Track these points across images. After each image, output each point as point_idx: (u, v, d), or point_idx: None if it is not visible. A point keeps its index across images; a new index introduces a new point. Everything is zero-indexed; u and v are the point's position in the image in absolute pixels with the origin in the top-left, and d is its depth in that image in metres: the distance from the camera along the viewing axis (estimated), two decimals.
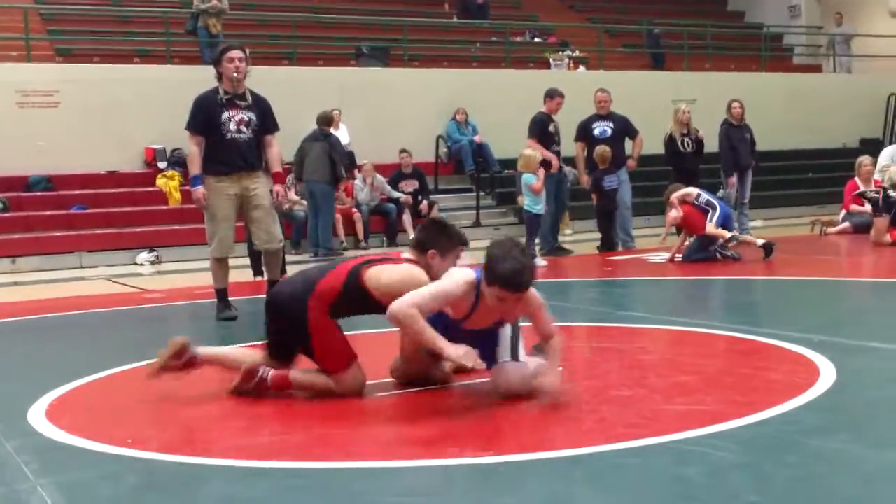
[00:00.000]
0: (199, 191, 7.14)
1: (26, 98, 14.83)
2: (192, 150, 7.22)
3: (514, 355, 4.53)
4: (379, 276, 4.47)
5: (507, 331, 4.54)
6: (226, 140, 7.17)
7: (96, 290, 10.50)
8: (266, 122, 7.38)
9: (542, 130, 11.78)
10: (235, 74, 7.17)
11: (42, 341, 7.12)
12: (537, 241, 11.25)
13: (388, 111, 16.30)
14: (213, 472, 3.53)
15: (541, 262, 10.81)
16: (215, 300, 7.65)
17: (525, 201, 10.97)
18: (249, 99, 7.32)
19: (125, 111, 15.14)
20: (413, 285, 4.30)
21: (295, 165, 13.61)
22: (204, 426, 4.22)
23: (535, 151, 11.05)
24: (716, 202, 10.31)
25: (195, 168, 7.20)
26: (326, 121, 13.72)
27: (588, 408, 4.22)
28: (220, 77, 7.31)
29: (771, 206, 17.20)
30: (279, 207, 7.54)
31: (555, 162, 11.62)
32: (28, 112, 14.79)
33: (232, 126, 7.18)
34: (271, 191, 7.51)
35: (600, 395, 4.50)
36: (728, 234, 9.99)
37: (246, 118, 7.23)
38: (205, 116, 7.21)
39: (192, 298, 9.17)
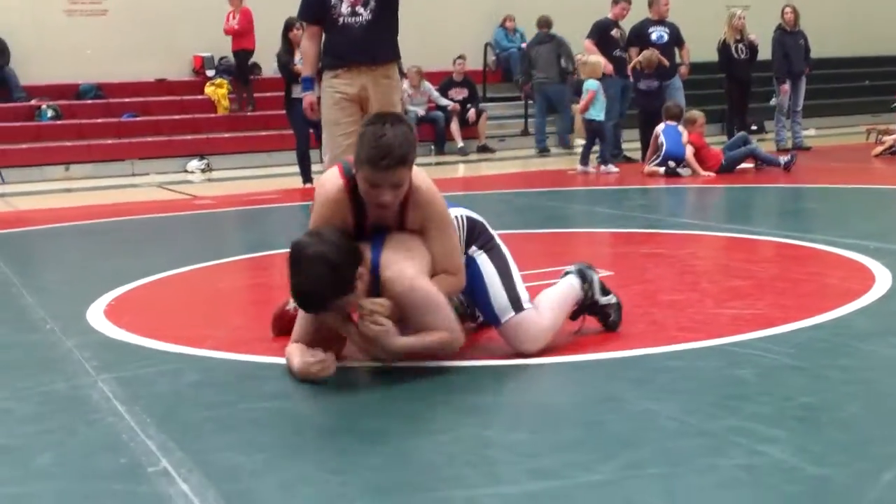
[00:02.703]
0: (307, 98, 5.58)
1: (74, 6, 14.84)
2: (304, 45, 5.56)
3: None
4: None
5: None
6: (338, 27, 5.36)
7: (148, 197, 10.62)
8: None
9: (602, 34, 11.60)
10: None
11: (96, 245, 7.23)
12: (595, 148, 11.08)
13: (436, 18, 16.09)
14: (268, 370, 3.58)
15: (612, 168, 10.79)
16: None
17: (589, 109, 10.75)
18: None
19: (173, 19, 15.10)
20: None
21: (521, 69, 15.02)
22: (259, 326, 4.28)
23: (601, 58, 10.87)
24: (663, 143, 10.23)
25: (307, 68, 5.62)
26: (548, 23, 14.46)
27: (640, 311, 4.20)
28: None
29: (825, 115, 16.90)
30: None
31: (608, 67, 11.42)
32: (76, 20, 14.82)
33: (344, 8, 5.30)
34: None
35: (652, 299, 4.50)
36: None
37: None
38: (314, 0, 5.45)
39: (242, 204, 9.25)
